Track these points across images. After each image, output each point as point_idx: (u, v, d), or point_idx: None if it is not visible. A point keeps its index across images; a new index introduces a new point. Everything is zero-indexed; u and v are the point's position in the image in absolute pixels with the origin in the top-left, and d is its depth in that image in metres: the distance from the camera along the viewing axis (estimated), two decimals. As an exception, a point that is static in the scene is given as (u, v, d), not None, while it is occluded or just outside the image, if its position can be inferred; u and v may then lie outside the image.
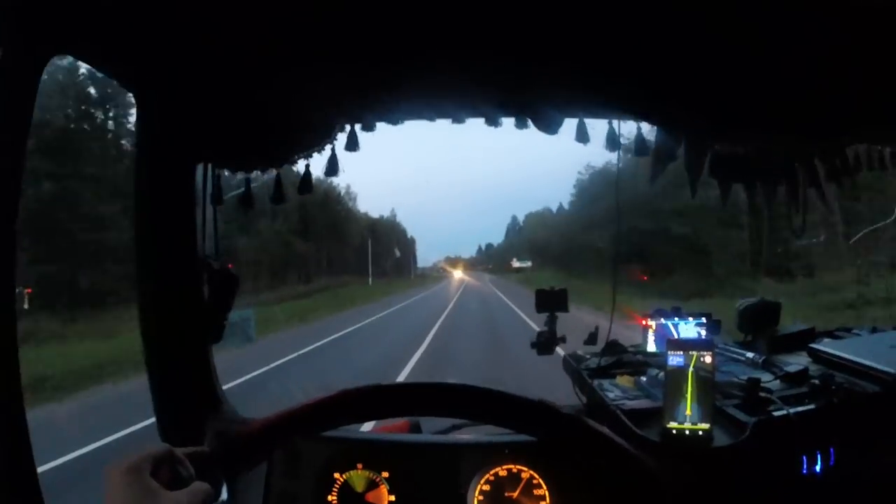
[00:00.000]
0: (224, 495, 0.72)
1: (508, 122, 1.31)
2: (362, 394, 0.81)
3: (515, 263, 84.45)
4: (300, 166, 1.40)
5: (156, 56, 1.11)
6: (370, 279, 53.91)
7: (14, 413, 0.96)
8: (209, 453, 0.76)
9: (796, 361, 1.46)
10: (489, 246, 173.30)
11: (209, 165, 1.39)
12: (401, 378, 9.04)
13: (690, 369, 1.14)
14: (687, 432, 1.13)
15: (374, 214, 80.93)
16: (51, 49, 0.96)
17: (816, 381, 1.30)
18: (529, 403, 0.85)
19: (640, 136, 1.32)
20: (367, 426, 1.29)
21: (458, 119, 1.32)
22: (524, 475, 1.19)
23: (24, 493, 0.99)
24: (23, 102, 0.93)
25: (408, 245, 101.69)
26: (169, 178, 1.31)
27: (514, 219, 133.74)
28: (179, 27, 1.02)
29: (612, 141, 1.32)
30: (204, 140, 1.33)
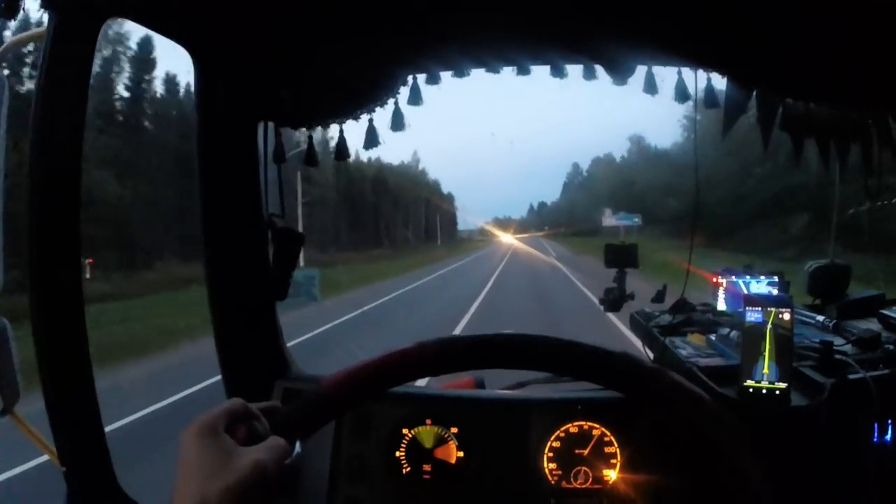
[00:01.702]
0: (298, 449, 0.72)
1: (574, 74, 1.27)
2: (440, 346, 0.80)
3: (610, 220, 48.94)
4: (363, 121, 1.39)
5: (212, 14, 1.09)
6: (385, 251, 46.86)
7: (85, 381, 1.00)
8: (284, 409, 0.76)
9: (867, 327, 1.41)
10: (542, 205, 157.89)
11: (270, 123, 1.39)
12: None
13: (769, 326, 1.10)
14: (764, 391, 1.10)
15: (387, 159, 65.13)
16: (107, 12, 0.96)
17: (891, 347, 1.26)
18: (615, 356, 0.84)
19: (710, 88, 1.27)
20: (428, 383, 1.31)
21: (522, 68, 1.28)
22: (595, 432, 1.18)
23: (93, 449, 1.03)
24: (80, 67, 0.94)
25: (440, 203, 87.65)
26: (231, 138, 1.32)
27: (576, 167, 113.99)
28: None
29: (682, 93, 1.27)
30: (264, 97, 1.33)
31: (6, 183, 0.93)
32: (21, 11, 0.87)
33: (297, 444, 0.73)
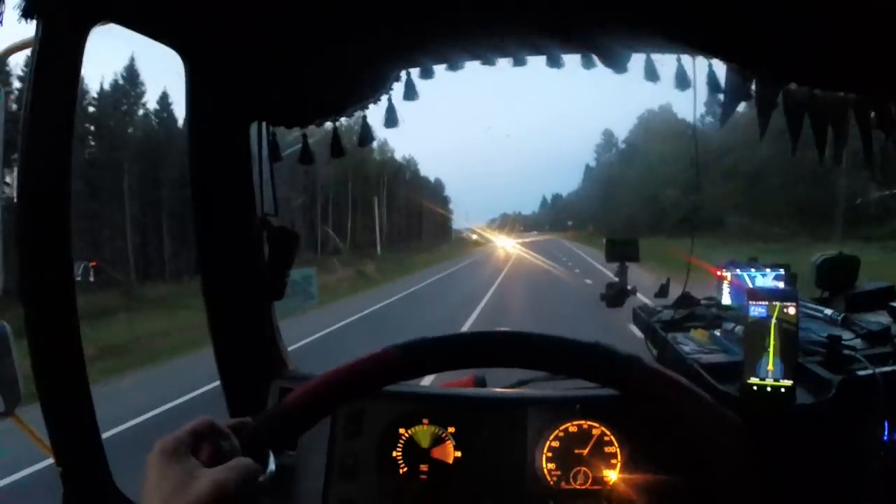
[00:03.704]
0: (272, 466, 0.70)
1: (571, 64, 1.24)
2: (404, 350, 0.77)
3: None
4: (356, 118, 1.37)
5: (201, 16, 1.08)
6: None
7: (79, 381, 1.01)
8: (251, 425, 0.74)
9: (877, 320, 1.38)
10: (557, 198, 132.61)
11: (263, 123, 1.39)
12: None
13: (773, 321, 1.07)
14: (768, 388, 1.07)
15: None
16: (94, 17, 0.95)
17: (901, 341, 1.24)
18: (586, 347, 0.81)
19: (711, 74, 1.23)
20: (429, 381, 1.26)
21: (518, 60, 1.25)
22: (595, 432, 1.16)
23: (90, 453, 1.03)
24: (69, 72, 0.94)
25: (432, 200, 71.45)
26: (223, 139, 1.31)
27: (609, 136, 79.22)
28: None
29: (682, 79, 1.23)
30: (256, 97, 1.32)
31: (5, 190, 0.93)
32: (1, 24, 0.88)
33: (272, 460, 0.70)
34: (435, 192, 77.55)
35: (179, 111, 34.55)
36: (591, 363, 0.80)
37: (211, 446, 0.67)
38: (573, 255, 32.53)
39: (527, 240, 69.38)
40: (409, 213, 62.11)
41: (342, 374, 0.74)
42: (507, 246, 49.75)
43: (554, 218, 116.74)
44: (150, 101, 33.24)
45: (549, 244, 54.57)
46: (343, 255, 34.93)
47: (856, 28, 1.05)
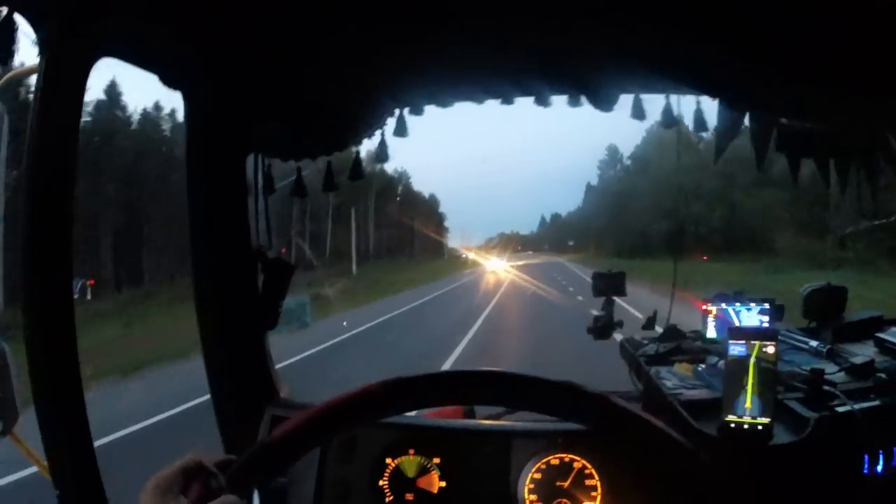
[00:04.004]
0: (256, 502, 0.74)
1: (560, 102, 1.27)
2: (385, 387, 0.80)
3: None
4: (349, 152, 1.42)
5: (199, 52, 1.12)
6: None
7: (73, 393, 1.03)
8: (237, 463, 0.77)
9: (862, 352, 1.39)
10: (556, 217, 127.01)
11: (259, 156, 1.42)
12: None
13: (752, 360, 1.09)
14: (746, 426, 1.09)
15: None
16: (96, 54, 0.99)
17: (883, 375, 1.24)
18: (557, 386, 0.84)
19: (699, 112, 1.26)
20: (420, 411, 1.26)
21: (507, 99, 1.28)
22: (577, 465, 1.18)
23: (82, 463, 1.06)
24: (71, 107, 0.97)
25: (426, 216, 66.56)
26: (220, 171, 1.34)
27: (613, 152, 70.22)
28: (220, 21, 1.03)
29: (669, 117, 1.26)
30: (253, 131, 1.36)
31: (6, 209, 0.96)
32: (13, 57, 0.91)
33: (256, 497, 0.73)
34: (429, 209, 72.78)
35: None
36: (563, 402, 0.83)
37: (199, 485, 0.71)
38: (575, 280, 24.62)
39: (520, 262, 54.18)
40: (401, 229, 58.19)
41: (323, 413, 0.78)
42: (499, 269, 39.35)
43: (553, 237, 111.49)
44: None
45: (549, 267, 43.72)
46: (318, 271, 30.65)
47: (847, 61, 1.06)
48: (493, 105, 1.31)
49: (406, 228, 59.08)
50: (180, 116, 1.40)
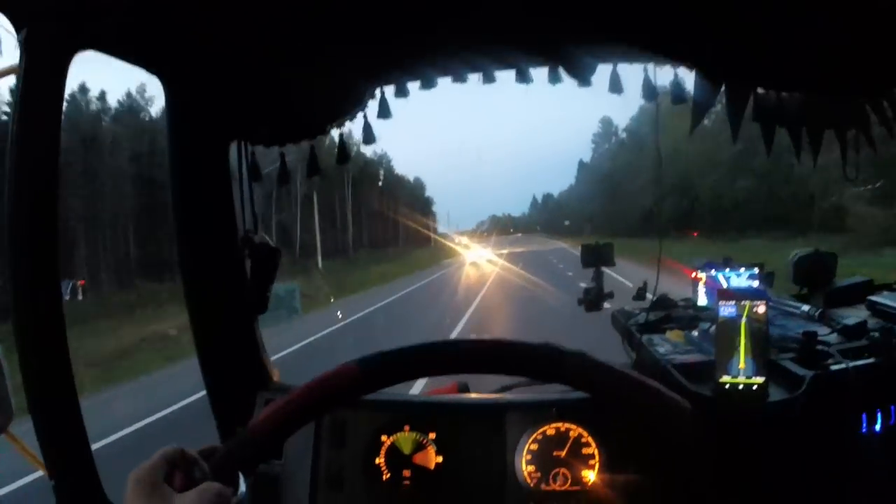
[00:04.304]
0: (242, 488, 0.72)
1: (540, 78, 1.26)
2: (362, 364, 0.79)
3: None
4: (334, 136, 1.41)
5: (178, 40, 1.11)
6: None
7: (68, 395, 1.03)
8: (220, 450, 0.76)
9: (854, 315, 1.39)
10: (548, 198, 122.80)
11: (243, 142, 1.41)
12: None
13: (743, 320, 1.09)
14: (741, 386, 1.09)
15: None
16: (75, 45, 0.98)
17: (876, 335, 1.24)
18: (535, 347, 0.83)
19: (676, 83, 1.25)
20: (417, 389, 1.28)
21: (488, 76, 1.28)
22: (573, 434, 1.18)
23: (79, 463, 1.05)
24: (52, 101, 0.97)
25: (411, 202, 62.85)
26: (203, 159, 1.34)
27: (607, 125, 66.90)
28: (198, 10, 1.02)
29: (649, 89, 1.25)
30: (234, 118, 1.35)
31: None
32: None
33: (242, 482, 0.72)
34: (414, 194, 69.64)
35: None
36: (540, 362, 0.82)
37: (182, 473, 0.70)
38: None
39: (506, 251, 43.08)
40: (384, 217, 55.02)
41: (301, 396, 0.76)
42: (481, 260, 32.14)
43: (547, 219, 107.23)
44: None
45: (547, 255, 34.46)
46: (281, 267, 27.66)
47: (825, 29, 1.06)
48: (478, 84, 1.30)
49: (390, 217, 55.86)
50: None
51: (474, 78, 1.29)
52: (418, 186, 72.77)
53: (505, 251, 41.75)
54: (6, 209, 0.94)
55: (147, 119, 34.45)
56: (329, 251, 38.96)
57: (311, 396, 0.77)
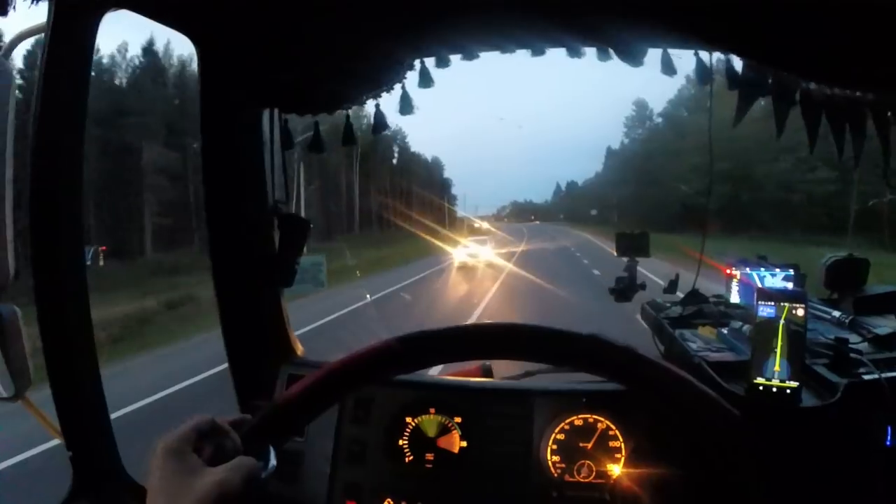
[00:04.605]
0: (273, 461, 0.70)
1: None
2: (402, 342, 0.77)
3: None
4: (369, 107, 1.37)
5: (213, 2, 1.09)
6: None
7: (89, 365, 1.03)
8: (251, 422, 0.74)
9: (885, 324, 1.37)
10: (572, 186, 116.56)
11: (275, 111, 1.39)
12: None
13: (781, 322, 1.07)
14: (774, 389, 1.07)
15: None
16: (107, 3, 0.96)
17: (908, 347, 1.23)
18: (582, 338, 0.81)
19: (731, 69, 1.22)
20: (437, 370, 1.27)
21: (536, 50, 1.24)
22: (600, 426, 1.17)
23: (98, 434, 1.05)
24: (81, 59, 0.95)
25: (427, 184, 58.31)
26: (235, 126, 1.32)
27: (642, 108, 59.97)
28: None
29: (702, 73, 1.23)
30: (268, 84, 1.32)
31: (13, 175, 0.94)
32: (13, 9, 0.87)
33: (272, 456, 0.70)
34: (431, 175, 65.06)
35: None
36: (589, 354, 0.80)
37: (213, 445, 0.68)
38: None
39: (520, 247, 31.52)
40: (397, 197, 51.24)
41: (340, 368, 0.74)
42: (479, 257, 21.97)
43: (570, 206, 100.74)
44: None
45: (575, 254, 26.42)
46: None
47: (877, 24, 1.03)
48: (505, 64, 1.27)
49: (402, 198, 51.65)
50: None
51: (492, 57, 1.26)
52: (436, 167, 69.43)
53: (520, 248, 30.66)
54: (29, 175, 0.92)
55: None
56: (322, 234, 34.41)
57: (348, 370, 0.75)
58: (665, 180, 38.86)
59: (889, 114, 1.27)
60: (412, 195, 55.77)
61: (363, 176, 46.52)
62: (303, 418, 0.76)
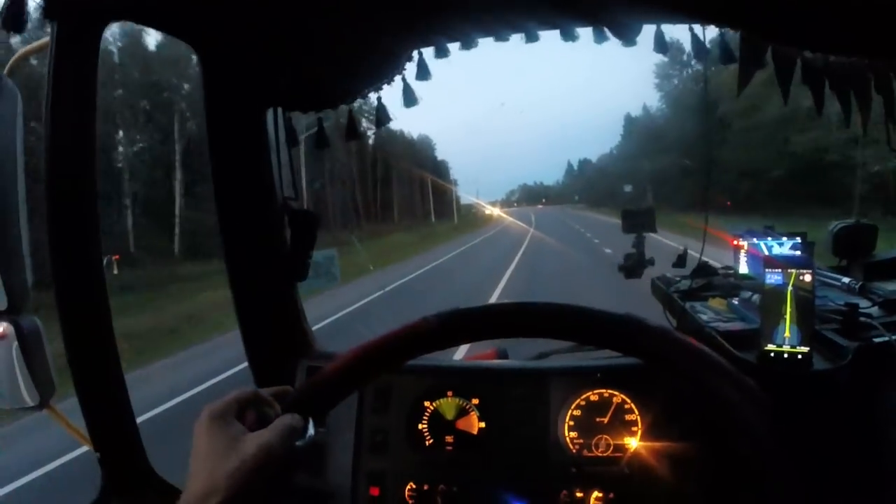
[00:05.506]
0: (311, 431, 0.73)
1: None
2: (441, 320, 0.79)
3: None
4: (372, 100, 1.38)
5: (212, 9, 1.10)
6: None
7: (113, 368, 1.05)
8: (294, 392, 0.77)
9: (895, 288, 1.39)
10: (584, 163, 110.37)
11: (279, 110, 1.40)
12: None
13: (789, 288, 1.08)
14: (785, 355, 1.08)
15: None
16: (108, 16, 0.98)
17: (919, 309, 1.24)
18: (617, 318, 0.81)
19: (724, 43, 1.22)
20: (454, 355, 1.29)
21: (531, 35, 1.24)
22: (616, 400, 1.18)
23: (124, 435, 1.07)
24: (87, 70, 0.97)
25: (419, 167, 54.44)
26: (240, 127, 1.33)
27: (679, 49, 28.81)
28: None
29: (699, 48, 1.22)
30: (270, 84, 1.34)
31: (26, 186, 0.96)
32: (27, 24, 0.89)
33: (311, 426, 0.72)
34: (422, 157, 59.40)
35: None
36: (623, 335, 0.80)
37: (255, 413, 0.71)
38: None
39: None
40: (384, 184, 47.10)
41: (380, 343, 0.76)
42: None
43: (584, 186, 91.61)
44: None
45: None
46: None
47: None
48: (506, 47, 1.28)
49: (388, 186, 47.50)
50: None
51: (488, 45, 1.27)
52: (425, 146, 62.19)
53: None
54: (46, 186, 0.95)
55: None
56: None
57: (387, 347, 0.77)
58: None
59: (892, 75, 1.27)
60: (425, 186, 52.76)
61: (369, 169, 45.38)
62: (342, 393, 0.78)
